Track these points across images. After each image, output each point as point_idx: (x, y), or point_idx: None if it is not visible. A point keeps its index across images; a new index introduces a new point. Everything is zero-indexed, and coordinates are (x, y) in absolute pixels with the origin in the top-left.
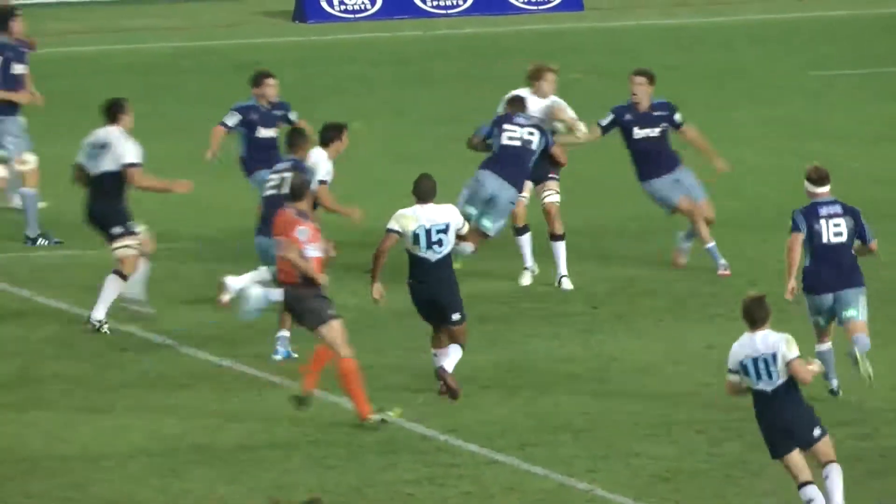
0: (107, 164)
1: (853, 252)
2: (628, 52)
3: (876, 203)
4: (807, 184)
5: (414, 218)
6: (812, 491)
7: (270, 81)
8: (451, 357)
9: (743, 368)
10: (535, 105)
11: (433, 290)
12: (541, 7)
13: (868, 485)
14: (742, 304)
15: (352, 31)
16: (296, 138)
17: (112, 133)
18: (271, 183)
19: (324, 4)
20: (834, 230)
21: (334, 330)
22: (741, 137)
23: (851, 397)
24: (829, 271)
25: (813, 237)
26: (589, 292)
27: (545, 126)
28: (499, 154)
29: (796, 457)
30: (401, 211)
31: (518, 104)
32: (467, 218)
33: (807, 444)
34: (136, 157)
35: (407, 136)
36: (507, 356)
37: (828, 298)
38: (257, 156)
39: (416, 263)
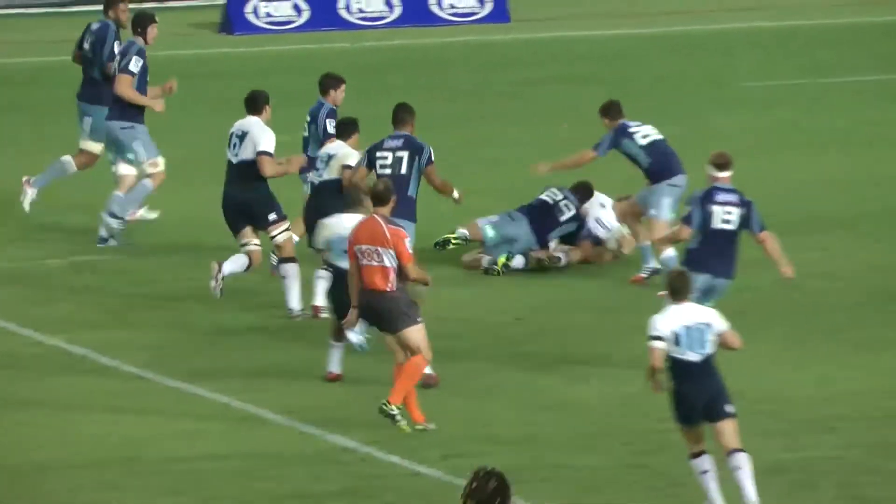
0: (246, 153)
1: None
2: (556, 64)
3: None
4: (709, 168)
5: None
6: (707, 461)
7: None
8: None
9: (675, 336)
10: None
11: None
12: (467, 19)
13: (792, 497)
14: (668, 278)
15: (278, 43)
16: (402, 113)
17: (252, 122)
18: (383, 161)
19: (250, 16)
20: (724, 216)
21: (421, 332)
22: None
23: (774, 407)
24: (711, 255)
25: (704, 220)
26: (518, 304)
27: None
28: None
29: (699, 428)
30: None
31: None
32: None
33: (718, 416)
34: (270, 146)
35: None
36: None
37: (704, 278)
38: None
39: (339, 277)
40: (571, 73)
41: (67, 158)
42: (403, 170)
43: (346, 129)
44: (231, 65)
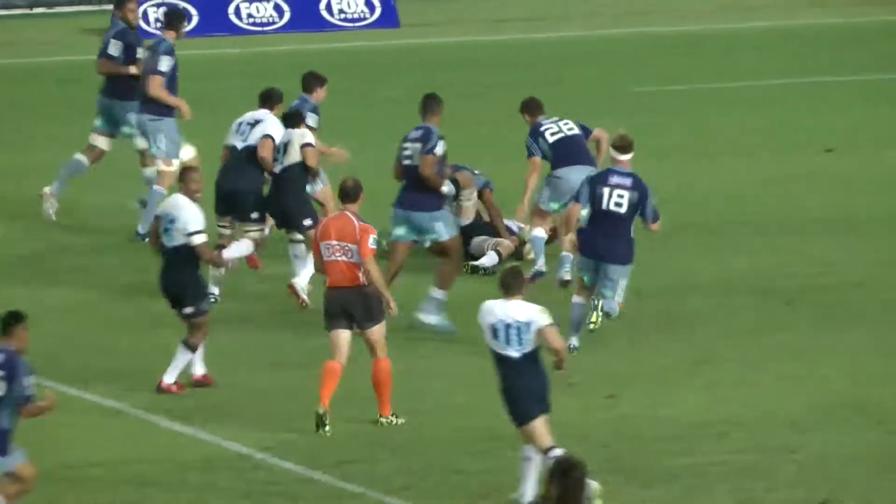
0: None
1: (632, 227)
2: (445, 70)
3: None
4: (610, 150)
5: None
6: (529, 451)
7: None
8: None
9: (493, 332)
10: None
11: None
12: (357, 24)
13: (686, 502)
14: (501, 273)
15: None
16: (429, 104)
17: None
18: (407, 152)
19: (141, 21)
20: (616, 200)
21: (382, 330)
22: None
23: (668, 412)
24: (601, 238)
25: (594, 202)
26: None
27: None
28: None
29: (541, 423)
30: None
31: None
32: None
33: (532, 416)
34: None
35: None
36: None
37: (591, 262)
38: None
39: None
40: (462, 79)
41: (79, 156)
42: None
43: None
44: None
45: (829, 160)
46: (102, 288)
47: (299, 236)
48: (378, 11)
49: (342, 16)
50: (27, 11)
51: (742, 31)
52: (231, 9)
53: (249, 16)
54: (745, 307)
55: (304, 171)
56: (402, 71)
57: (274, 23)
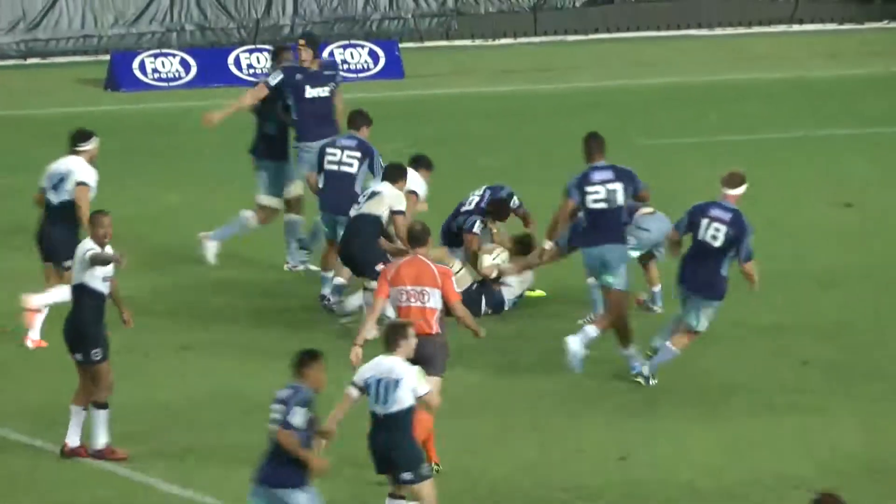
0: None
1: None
2: (451, 121)
3: None
4: (721, 183)
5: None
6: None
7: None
8: None
9: (367, 386)
10: None
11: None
12: (360, 75)
13: None
14: (384, 328)
15: (166, 100)
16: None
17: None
18: (596, 196)
19: (137, 72)
20: (712, 232)
21: (437, 385)
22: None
23: (682, 476)
24: (690, 269)
25: (692, 231)
26: None
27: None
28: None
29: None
30: None
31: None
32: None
33: (396, 479)
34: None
35: (232, 208)
36: None
37: (682, 291)
38: None
39: None
40: (469, 130)
41: (248, 213)
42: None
43: (395, 173)
44: (118, 122)
45: (843, 213)
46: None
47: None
48: (382, 62)
49: (346, 66)
50: (20, 62)
51: (751, 81)
52: (231, 59)
53: (250, 66)
54: (760, 364)
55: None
56: (407, 122)
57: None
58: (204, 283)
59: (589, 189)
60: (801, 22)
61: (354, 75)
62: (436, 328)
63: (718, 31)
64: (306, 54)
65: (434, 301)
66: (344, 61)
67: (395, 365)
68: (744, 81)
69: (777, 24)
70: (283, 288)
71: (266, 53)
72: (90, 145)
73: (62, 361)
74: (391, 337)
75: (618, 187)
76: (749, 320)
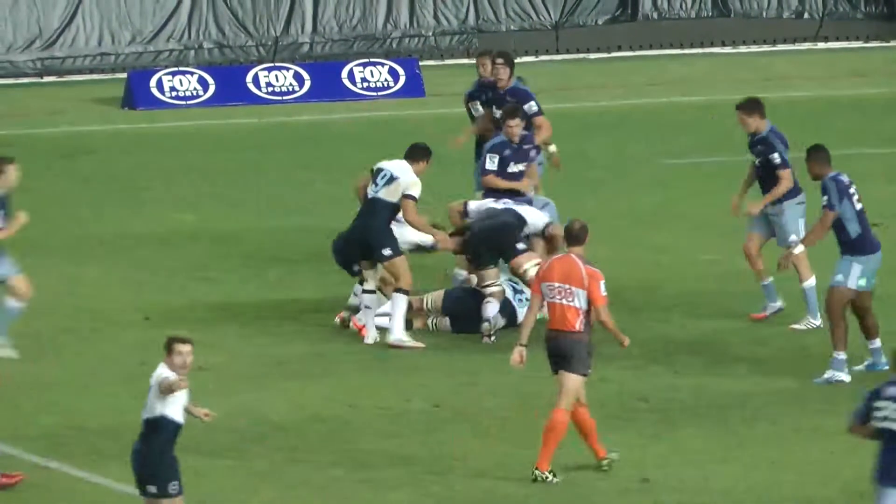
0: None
1: None
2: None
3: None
4: None
5: None
6: None
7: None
8: None
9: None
10: None
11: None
12: (380, 93)
13: None
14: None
15: (183, 119)
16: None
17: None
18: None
19: (154, 90)
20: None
21: (578, 382)
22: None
23: (703, 499)
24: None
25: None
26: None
27: None
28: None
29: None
30: None
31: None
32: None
33: (143, 491)
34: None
35: (243, 230)
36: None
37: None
38: None
39: None
40: None
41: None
42: None
43: (417, 153)
44: (134, 140)
45: None
46: None
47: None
48: (402, 80)
49: (365, 84)
50: (37, 80)
51: (775, 100)
52: (249, 77)
53: (268, 84)
54: (783, 386)
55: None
56: (427, 140)
57: (294, 92)
58: (220, 303)
59: (852, 192)
60: (825, 40)
61: (374, 93)
62: (579, 327)
63: (742, 49)
64: (504, 73)
65: (579, 301)
66: (363, 79)
67: (157, 371)
68: (768, 100)
69: (801, 42)
70: (299, 307)
71: (284, 72)
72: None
73: (77, 383)
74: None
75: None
76: (772, 341)
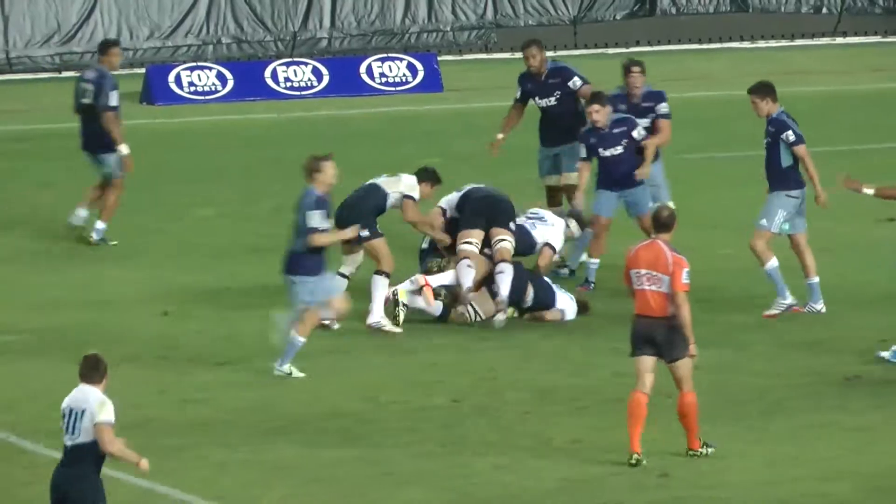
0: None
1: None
2: (490, 135)
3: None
4: None
5: None
6: None
7: None
8: None
9: (63, 416)
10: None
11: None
12: (399, 88)
13: None
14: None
15: (202, 114)
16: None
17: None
18: None
19: (172, 86)
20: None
21: (689, 364)
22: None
23: (722, 493)
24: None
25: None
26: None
27: None
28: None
29: None
30: None
31: None
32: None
33: None
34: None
35: (261, 226)
36: None
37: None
38: None
39: None
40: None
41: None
42: None
43: (424, 175)
44: (152, 136)
45: (887, 228)
46: None
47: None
48: (420, 75)
49: (383, 80)
50: (55, 75)
51: (793, 94)
52: (268, 72)
53: (287, 79)
54: (800, 381)
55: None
56: (446, 135)
57: (312, 87)
58: (239, 299)
59: None
60: (844, 34)
61: (392, 89)
62: (671, 311)
63: (761, 44)
64: (640, 81)
65: (666, 287)
66: (382, 74)
67: (85, 393)
68: (786, 94)
69: (820, 36)
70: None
71: (303, 67)
72: None
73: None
74: (86, 367)
75: None
76: (788, 336)
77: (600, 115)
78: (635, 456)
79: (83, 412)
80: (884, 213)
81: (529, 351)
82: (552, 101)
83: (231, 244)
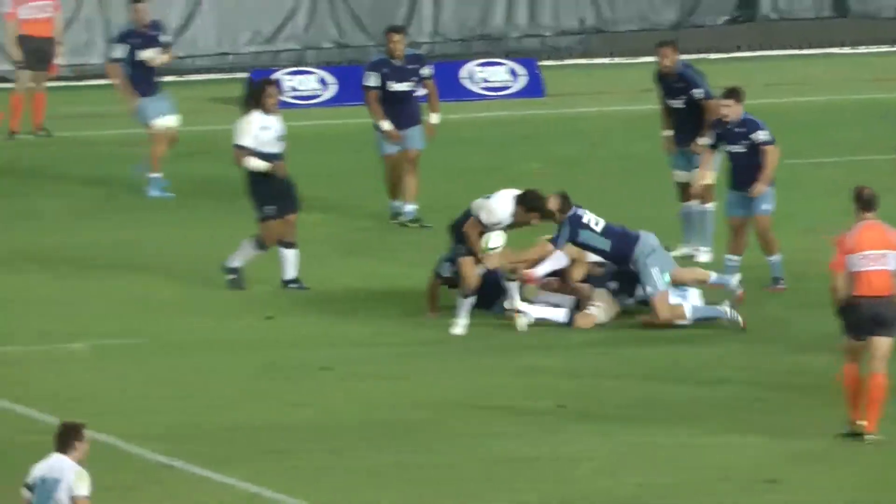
0: None
1: None
2: (589, 140)
3: None
4: None
5: None
6: None
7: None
8: None
9: (33, 486)
10: None
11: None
12: (500, 93)
13: None
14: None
15: (304, 119)
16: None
17: None
18: None
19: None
20: None
21: (892, 345)
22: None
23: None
24: None
25: None
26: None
27: None
28: None
29: None
30: None
31: None
32: None
33: None
34: None
35: (364, 228)
36: None
37: None
38: None
39: None
40: (609, 150)
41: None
42: None
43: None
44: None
45: None
46: None
47: None
48: (522, 80)
49: (485, 85)
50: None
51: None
52: None
53: None
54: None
55: None
56: (547, 140)
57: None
58: (349, 308)
59: None
60: None
61: (494, 93)
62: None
63: (862, 50)
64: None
65: (892, 264)
66: (484, 79)
67: (59, 463)
68: (887, 100)
69: None
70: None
71: None
72: None
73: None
74: (65, 438)
75: None
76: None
77: (731, 110)
78: (860, 423)
79: (57, 483)
80: None
81: (634, 356)
82: (679, 103)
83: (334, 248)
